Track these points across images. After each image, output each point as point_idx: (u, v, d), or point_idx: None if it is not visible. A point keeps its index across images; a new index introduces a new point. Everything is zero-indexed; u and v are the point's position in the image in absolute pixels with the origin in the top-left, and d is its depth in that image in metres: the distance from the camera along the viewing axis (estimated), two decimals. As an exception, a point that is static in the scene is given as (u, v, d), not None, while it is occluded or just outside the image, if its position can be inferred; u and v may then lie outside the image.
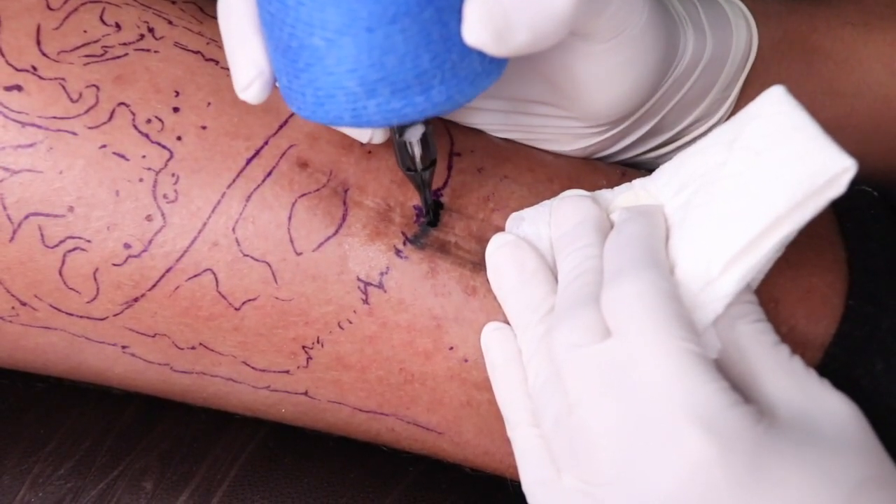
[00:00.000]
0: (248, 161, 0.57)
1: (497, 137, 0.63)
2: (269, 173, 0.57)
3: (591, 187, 0.59)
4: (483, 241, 0.58)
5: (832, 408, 0.48)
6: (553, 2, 0.48)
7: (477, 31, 0.47)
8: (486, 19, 0.47)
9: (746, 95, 0.66)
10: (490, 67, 0.51)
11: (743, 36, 0.64)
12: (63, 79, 0.57)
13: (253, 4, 0.50)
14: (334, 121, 0.50)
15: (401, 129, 0.54)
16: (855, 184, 0.49)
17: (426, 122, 0.54)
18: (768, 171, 0.50)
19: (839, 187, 0.49)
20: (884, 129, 0.68)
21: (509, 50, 0.48)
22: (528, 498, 0.53)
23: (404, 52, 0.47)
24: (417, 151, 0.54)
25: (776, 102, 0.52)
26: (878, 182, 0.67)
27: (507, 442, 0.56)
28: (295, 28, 0.47)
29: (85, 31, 0.58)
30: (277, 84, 0.52)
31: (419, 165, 0.55)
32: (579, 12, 0.49)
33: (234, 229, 0.57)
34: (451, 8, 0.48)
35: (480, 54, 0.49)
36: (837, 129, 0.64)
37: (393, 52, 0.47)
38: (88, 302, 0.58)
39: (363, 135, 0.57)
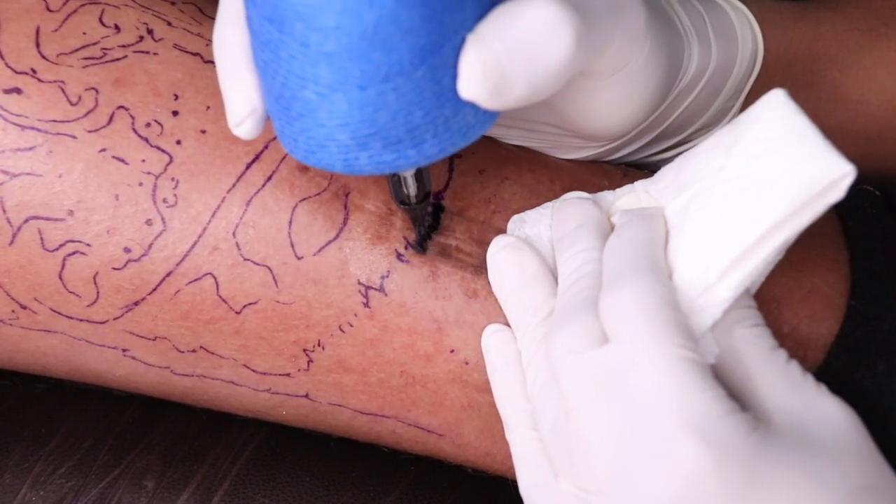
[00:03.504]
0: (248, 165, 0.57)
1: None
2: (270, 177, 0.57)
3: (593, 188, 0.59)
4: (484, 244, 0.58)
5: (829, 414, 0.48)
6: (550, 56, 0.47)
7: (473, 86, 0.46)
8: (482, 75, 0.46)
9: (751, 103, 0.65)
10: (484, 118, 0.50)
11: (748, 45, 0.64)
12: (62, 81, 0.57)
13: (247, 35, 0.50)
14: (326, 167, 0.49)
15: None
16: (857, 184, 0.49)
17: None
18: (767, 176, 0.50)
19: (838, 193, 0.48)
20: (888, 134, 0.68)
21: (505, 104, 0.47)
22: (525, 500, 0.54)
23: (396, 109, 0.46)
24: (412, 186, 0.54)
25: (776, 106, 0.51)
26: (879, 181, 0.67)
27: (508, 444, 0.56)
28: (287, 79, 0.47)
29: (84, 33, 0.58)
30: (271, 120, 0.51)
31: (413, 200, 0.55)
32: (577, 63, 0.48)
33: (234, 233, 0.57)
34: (445, 65, 0.47)
35: (474, 107, 0.48)
36: (842, 135, 0.64)
37: (385, 109, 0.46)
38: (88, 305, 0.58)
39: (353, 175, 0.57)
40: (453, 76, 0.47)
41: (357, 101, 0.46)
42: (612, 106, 0.55)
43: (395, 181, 0.54)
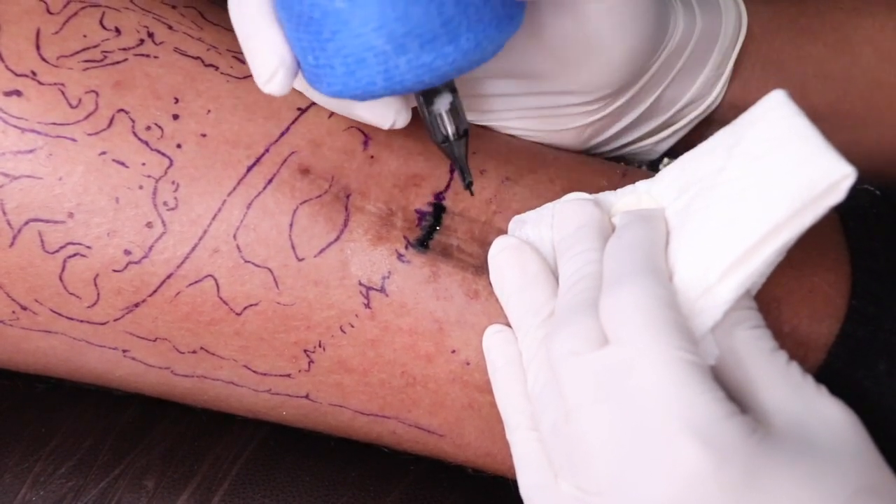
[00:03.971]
0: (249, 169, 0.57)
1: (499, 134, 0.64)
2: (270, 181, 0.57)
3: (593, 188, 0.59)
4: (485, 244, 0.58)
5: (828, 415, 0.48)
6: None
7: None
8: None
9: (739, 75, 0.67)
10: (511, 11, 0.51)
11: (732, 15, 0.65)
12: (62, 84, 0.57)
13: None
14: (367, 87, 0.50)
15: (429, 101, 0.54)
16: (857, 183, 0.49)
17: (453, 91, 0.54)
18: (767, 177, 0.50)
19: (839, 194, 0.48)
20: (876, 114, 0.68)
21: None
22: (526, 501, 0.54)
23: (428, 1, 0.47)
24: (448, 121, 0.55)
25: (777, 107, 0.51)
26: (880, 180, 0.67)
27: (509, 444, 0.56)
28: None
29: (84, 36, 0.58)
30: (301, 69, 0.52)
31: (452, 135, 0.55)
32: None
33: (235, 236, 0.57)
34: None
35: None
36: (830, 115, 0.64)
37: (417, 2, 0.47)
38: (89, 307, 0.58)
39: (386, 119, 0.57)
40: None
41: None
42: (612, 33, 0.56)
43: (432, 119, 0.55)
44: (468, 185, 0.57)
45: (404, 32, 0.48)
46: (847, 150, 0.49)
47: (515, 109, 0.62)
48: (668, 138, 0.67)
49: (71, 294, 0.58)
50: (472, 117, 0.63)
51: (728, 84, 0.66)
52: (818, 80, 0.68)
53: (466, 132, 0.56)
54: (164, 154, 0.57)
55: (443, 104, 0.54)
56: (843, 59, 0.68)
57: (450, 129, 0.55)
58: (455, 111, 0.55)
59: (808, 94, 0.54)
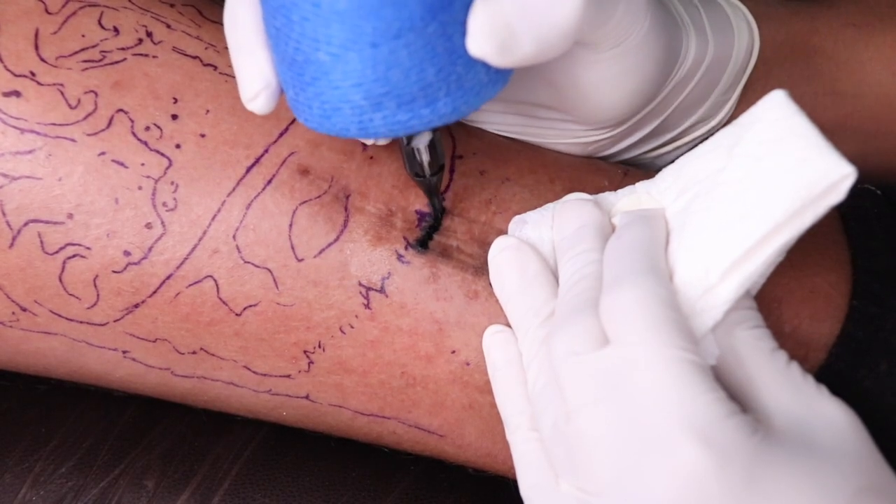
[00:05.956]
0: (248, 169, 0.57)
1: (498, 135, 0.63)
2: (270, 181, 0.57)
3: (593, 188, 0.59)
4: (485, 245, 0.58)
5: (829, 415, 0.48)
6: (557, 14, 0.48)
7: (481, 42, 0.47)
8: (489, 31, 0.47)
9: (748, 97, 0.66)
10: (496, 77, 0.51)
11: (744, 38, 0.64)
12: (61, 84, 0.57)
13: (259, 14, 0.50)
14: (341, 132, 0.50)
15: (408, 137, 0.54)
16: (858, 183, 0.49)
17: (433, 129, 0.54)
18: (767, 177, 0.50)
19: (838, 194, 0.48)
20: (885, 129, 0.68)
21: (514, 61, 0.48)
22: (526, 502, 0.54)
23: (409, 67, 0.47)
24: (425, 158, 0.55)
25: (776, 107, 0.51)
26: (880, 180, 0.67)
27: (509, 444, 0.56)
28: (300, 43, 0.47)
29: (83, 36, 0.58)
30: (284, 94, 0.52)
31: (427, 171, 0.55)
32: (584, 24, 0.49)
33: (234, 237, 0.57)
34: (455, 21, 0.47)
35: (486, 65, 0.49)
36: (839, 130, 0.64)
37: (398, 67, 0.47)
38: (89, 308, 0.58)
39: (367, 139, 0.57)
40: (464, 33, 0.48)
41: (370, 59, 0.47)
42: (611, 83, 0.56)
43: (408, 152, 0.55)
44: (438, 222, 0.58)
45: (382, 93, 0.48)
46: (854, 164, 0.48)
47: (514, 125, 0.62)
48: (668, 153, 0.67)
49: (70, 295, 0.58)
50: (466, 121, 0.63)
51: (736, 106, 0.66)
52: (828, 98, 0.68)
53: (442, 168, 0.56)
54: (163, 154, 0.57)
55: (421, 141, 0.54)
56: (854, 77, 0.68)
57: (425, 165, 0.55)
58: (433, 147, 0.54)
59: (817, 112, 0.54)
